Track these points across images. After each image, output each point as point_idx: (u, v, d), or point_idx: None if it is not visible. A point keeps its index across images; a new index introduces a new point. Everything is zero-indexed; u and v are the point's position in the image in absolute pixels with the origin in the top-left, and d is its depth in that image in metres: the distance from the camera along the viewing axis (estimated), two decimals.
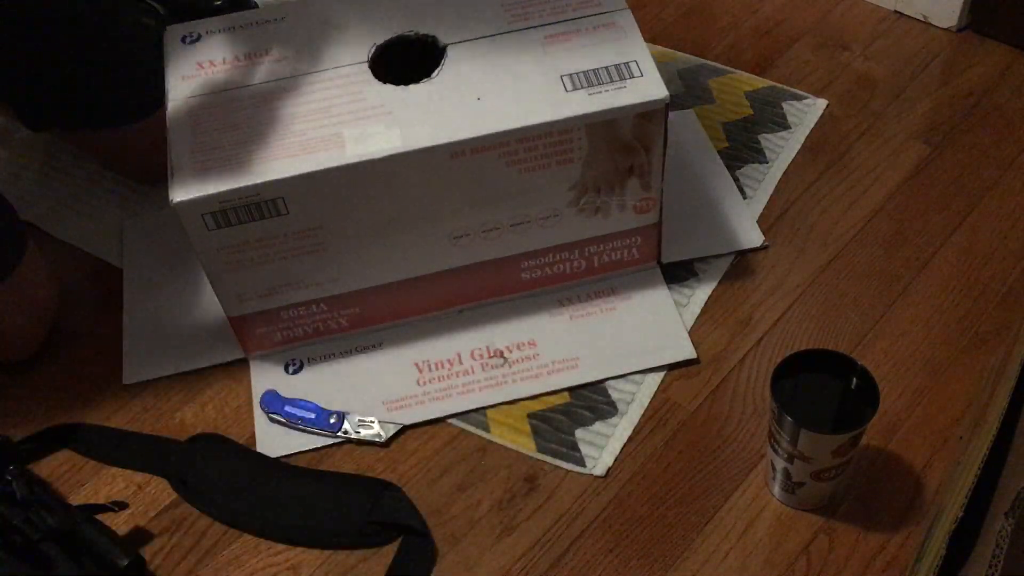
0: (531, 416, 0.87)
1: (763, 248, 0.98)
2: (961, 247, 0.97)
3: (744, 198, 1.02)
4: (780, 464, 0.77)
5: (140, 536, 0.83)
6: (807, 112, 1.10)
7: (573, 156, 0.84)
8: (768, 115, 1.10)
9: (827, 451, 0.74)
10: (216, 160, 0.80)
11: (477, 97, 0.82)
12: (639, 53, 0.84)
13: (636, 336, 0.92)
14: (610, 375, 0.89)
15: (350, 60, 0.86)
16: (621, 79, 0.82)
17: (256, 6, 1.12)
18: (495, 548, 0.81)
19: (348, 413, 0.88)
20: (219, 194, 0.78)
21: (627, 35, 0.85)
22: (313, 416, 0.88)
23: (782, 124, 1.09)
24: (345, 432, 0.87)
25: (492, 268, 0.91)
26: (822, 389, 0.77)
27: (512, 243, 0.89)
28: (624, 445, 0.85)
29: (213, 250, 0.82)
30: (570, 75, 0.83)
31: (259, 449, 0.87)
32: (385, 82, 0.84)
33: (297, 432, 0.87)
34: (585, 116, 0.81)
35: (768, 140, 1.08)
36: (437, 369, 0.91)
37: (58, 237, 1.04)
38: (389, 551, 0.81)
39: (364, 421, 0.87)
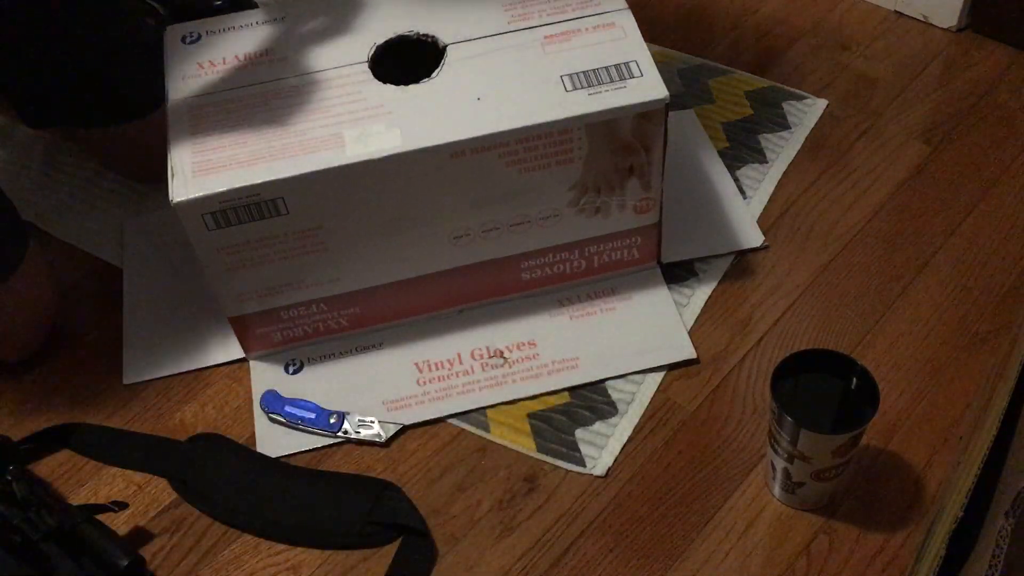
0: (531, 416, 0.87)
1: (763, 248, 0.98)
2: (961, 247, 0.97)
3: (744, 198, 1.02)
4: (780, 464, 0.77)
5: (140, 536, 0.83)
6: (807, 112, 1.10)
7: (573, 156, 0.84)
8: (768, 115, 1.10)
9: (827, 451, 0.74)
10: (216, 160, 0.80)
11: (477, 97, 0.82)
12: (639, 53, 0.84)
13: (636, 336, 0.92)
14: (610, 375, 0.89)
15: (350, 60, 0.86)
16: (621, 79, 0.82)
17: (256, 6, 1.11)
18: (495, 548, 0.81)
19: (348, 413, 0.88)
20: (219, 194, 0.78)
21: (627, 35, 0.85)
22: (313, 416, 0.88)
23: (782, 124, 1.09)
24: (345, 432, 0.87)
25: (492, 268, 0.91)
26: (822, 389, 0.77)
27: (512, 243, 0.89)
28: (624, 445, 0.85)
29: (213, 250, 0.82)
30: (570, 75, 0.83)
31: (259, 449, 0.87)
32: (385, 82, 0.84)
33: (297, 432, 0.88)
34: (585, 116, 0.81)
35: (768, 140, 1.08)
36: (437, 369, 0.91)
37: (58, 237, 1.04)
38: (389, 551, 0.81)
39: (364, 421, 0.87)
